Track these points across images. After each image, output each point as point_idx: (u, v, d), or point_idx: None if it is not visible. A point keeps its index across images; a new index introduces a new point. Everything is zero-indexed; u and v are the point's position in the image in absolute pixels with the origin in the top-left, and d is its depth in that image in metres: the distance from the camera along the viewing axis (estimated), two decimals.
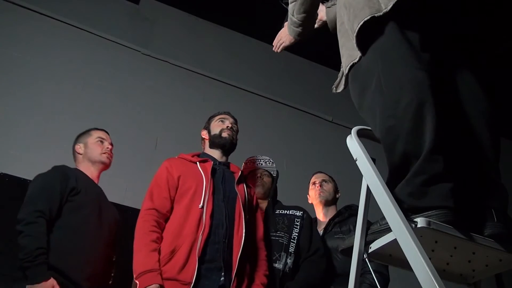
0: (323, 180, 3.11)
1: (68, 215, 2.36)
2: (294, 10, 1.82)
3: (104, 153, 2.70)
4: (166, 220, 2.30)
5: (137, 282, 2.08)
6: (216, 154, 2.57)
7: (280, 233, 2.70)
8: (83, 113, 4.00)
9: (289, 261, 2.61)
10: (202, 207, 2.26)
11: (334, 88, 1.56)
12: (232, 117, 2.71)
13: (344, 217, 2.93)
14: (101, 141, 2.73)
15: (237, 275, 2.21)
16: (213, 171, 2.43)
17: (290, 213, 2.82)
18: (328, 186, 3.08)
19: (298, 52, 5.23)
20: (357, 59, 1.39)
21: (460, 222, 1.20)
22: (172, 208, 2.32)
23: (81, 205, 2.42)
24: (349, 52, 1.42)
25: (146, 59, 4.50)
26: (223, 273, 2.17)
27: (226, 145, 2.57)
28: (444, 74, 1.38)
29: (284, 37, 2.10)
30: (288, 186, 4.40)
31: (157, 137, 4.23)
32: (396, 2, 1.32)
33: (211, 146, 2.60)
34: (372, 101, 1.35)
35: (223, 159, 2.57)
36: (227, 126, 2.61)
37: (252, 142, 4.56)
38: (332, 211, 3.01)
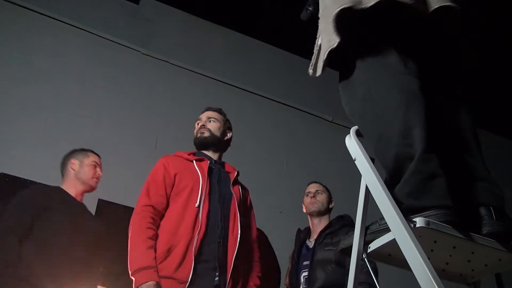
0: (317, 191, 3.13)
1: (39, 232, 2.44)
2: None
3: (95, 178, 2.80)
4: (161, 217, 2.29)
5: (133, 279, 2.07)
6: (208, 153, 2.56)
7: None
8: (83, 113, 4.01)
9: None
10: (199, 206, 2.25)
11: (310, 71, 1.53)
12: (213, 110, 2.68)
13: (335, 228, 2.95)
14: (95, 166, 2.81)
15: (232, 276, 2.21)
16: (210, 170, 2.42)
17: None
18: (322, 197, 3.10)
19: (298, 52, 5.23)
20: (335, 45, 1.37)
21: (459, 221, 1.20)
22: (167, 206, 2.32)
23: (53, 222, 2.49)
24: (328, 37, 1.41)
25: (146, 59, 4.51)
26: (217, 273, 2.17)
27: (204, 144, 2.56)
28: (428, 82, 1.38)
29: None
30: (288, 186, 4.41)
31: (157, 137, 4.23)
32: (377, 3, 1.30)
33: (196, 148, 2.62)
34: (362, 110, 1.37)
35: (216, 157, 2.56)
36: (200, 126, 2.60)
37: (252, 142, 4.57)
38: (324, 222, 3.03)
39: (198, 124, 2.64)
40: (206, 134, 2.56)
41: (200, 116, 2.67)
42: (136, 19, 4.67)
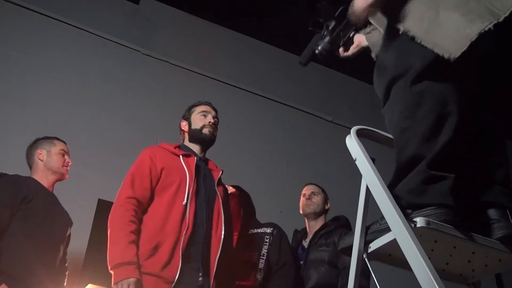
0: (312, 192, 3.16)
1: (19, 223, 2.39)
2: None
3: (65, 166, 2.73)
4: (144, 211, 2.24)
5: (112, 273, 2.03)
6: (195, 148, 2.49)
7: (249, 252, 2.85)
8: (83, 113, 4.01)
9: (258, 276, 2.75)
10: (186, 204, 2.22)
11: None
12: (213, 108, 2.60)
13: (330, 229, 2.98)
14: (63, 154, 2.74)
15: (216, 277, 2.19)
16: (196, 167, 2.37)
17: (261, 231, 2.93)
18: (317, 199, 3.13)
19: (298, 52, 5.22)
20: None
21: (459, 221, 1.20)
22: (151, 200, 2.26)
23: (33, 212, 2.45)
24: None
25: (146, 59, 4.50)
26: (200, 274, 2.15)
27: (206, 142, 2.50)
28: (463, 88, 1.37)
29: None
30: (288, 186, 4.41)
31: (157, 137, 4.23)
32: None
33: (190, 140, 2.51)
34: (394, 98, 1.36)
35: (202, 155, 2.51)
36: (209, 122, 2.50)
37: (252, 142, 4.57)
38: (320, 222, 3.07)
39: (204, 115, 2.53)
40: (215, 135, 2.52)
41: (207, 109, 2.56)
42: (136, 19, 4.67)
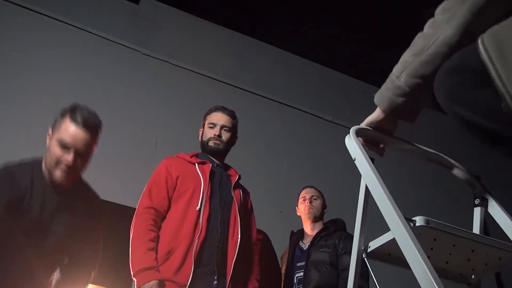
0: (313, 197, 3.24)
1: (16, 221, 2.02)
2: (405, 70, 1.21)
3: (62, 165, 1.86)
4: (162, 219, 2.30)
5: (135, 280, 2.08)
6: (212, 156, 2.54)
7: None
8: None
9: None
10: (199, 209, 2.25)
11: None
12: (228, 114, 2.56)
13: (329, 231, 3.09)
14: (62, 146, 1.84)
15: (232, 281, 2.21)
16: (211, 173, 2.41)
17: None
18: (317, 203, 3.22)
19: (298, 52, 5.23)
20: None
21: None
22: (169, 208, 2.32)
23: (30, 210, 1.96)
24: None
25: (146, 59, 4.50)
26: (216, 277, 2.17)
27: (213, 154, 2.52)
28: None
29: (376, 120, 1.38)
30: (288, 186, 4.41)
31: (157, 137, 4.23)
32: None
33: (202, 150, 2.57)
34: None
35: (220, 161, 2.55)
36: (214, 135, 2.50)
37: (252, 142, 4.56)
38: (319, 226, 3.15)
39: (211, 128, 2.52)
40: (221, 146, 2.51)
41: (214, 120, 2.52)
42: (136, 19, 4.67)
